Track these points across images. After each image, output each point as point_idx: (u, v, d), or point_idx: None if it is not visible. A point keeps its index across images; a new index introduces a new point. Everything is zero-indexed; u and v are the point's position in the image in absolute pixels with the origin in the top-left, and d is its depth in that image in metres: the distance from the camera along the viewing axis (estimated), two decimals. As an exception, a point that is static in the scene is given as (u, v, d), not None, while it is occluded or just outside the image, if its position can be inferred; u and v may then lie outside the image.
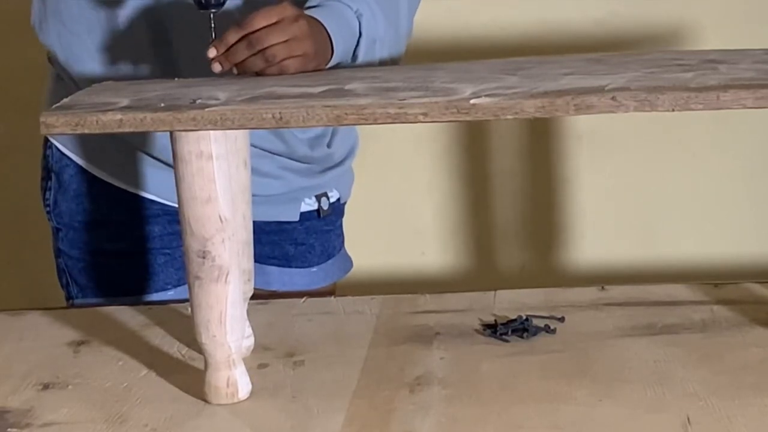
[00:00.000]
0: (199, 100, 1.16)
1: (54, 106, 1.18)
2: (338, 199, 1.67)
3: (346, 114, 1.12)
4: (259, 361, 1.28)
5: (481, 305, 1.41)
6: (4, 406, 1.21)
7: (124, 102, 1.18)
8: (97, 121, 1.14)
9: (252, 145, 1.50)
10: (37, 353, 1.34)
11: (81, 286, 1.58)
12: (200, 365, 1.21)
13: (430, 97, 1.13)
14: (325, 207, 1.64)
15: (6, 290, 2.36)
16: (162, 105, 1.16)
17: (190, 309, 1.20)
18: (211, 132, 1.14)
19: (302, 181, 1.60)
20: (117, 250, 1.56)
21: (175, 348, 1.33)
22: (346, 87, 1.21)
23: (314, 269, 1.66)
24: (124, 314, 1.44)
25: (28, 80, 2.28)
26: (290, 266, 1.64)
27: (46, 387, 1.25)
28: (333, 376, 1.24)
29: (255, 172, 1.50)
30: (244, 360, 1.21)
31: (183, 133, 1.14)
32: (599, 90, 1.12)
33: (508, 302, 1.41)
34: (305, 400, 1.19)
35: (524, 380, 1.21)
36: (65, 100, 1.21)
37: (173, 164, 1.16)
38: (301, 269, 1.65)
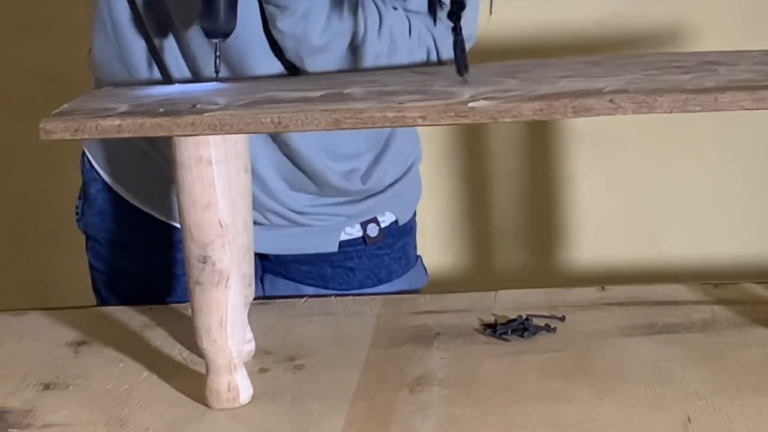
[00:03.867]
0: (198, 105, 1.17)
1: (54, 112, 1.18)
2: (395, 221, 1.54)
3: (344, 118, 1.12)
4: (259, 366, 1.28)
5: (481, 305, 1.41)
6: (5, 406, 1.21)
7: (123, 107, 1.18)
8: (96, 127, 1.14)
9: (281, 180, 1.44)
10: (37, 353, 1.34)
11: (104, 297, 1.57)
12: (201, 369, 1.21)
13: (429, 100, 1.14)
14: (373, 234, 1.51)
15: (6, 290, 2.36)
16: (161, 110, 1.16)
17: (190, 311, 1.20)
18: (211, 137, 1.14)
19: (339, 212, 1.48)
20: (138, 273, 1.53)
21: (176, 351, 1.33)
22: (345, 91, 1.21)
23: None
24: (125, 315, 1.44)
25: (28, 81, 2.29)
26: (326, 287, 1.53)
27: (46, 387, 1.25)
28: (333, 379, 1.24)
29: (286, 207, 1.45)
30: (245, 364, 1.21)
31: (182, 138, 1.14)
32: (597, 92, 1.12)
33: (508, 302, 1.41)
34: (306, 404, 1.19)
35: (524, 380, 1.21)
36: (65, 105, 1.21)
37: (172, 170, 1.16)
38: (338, 291, 1.52)
